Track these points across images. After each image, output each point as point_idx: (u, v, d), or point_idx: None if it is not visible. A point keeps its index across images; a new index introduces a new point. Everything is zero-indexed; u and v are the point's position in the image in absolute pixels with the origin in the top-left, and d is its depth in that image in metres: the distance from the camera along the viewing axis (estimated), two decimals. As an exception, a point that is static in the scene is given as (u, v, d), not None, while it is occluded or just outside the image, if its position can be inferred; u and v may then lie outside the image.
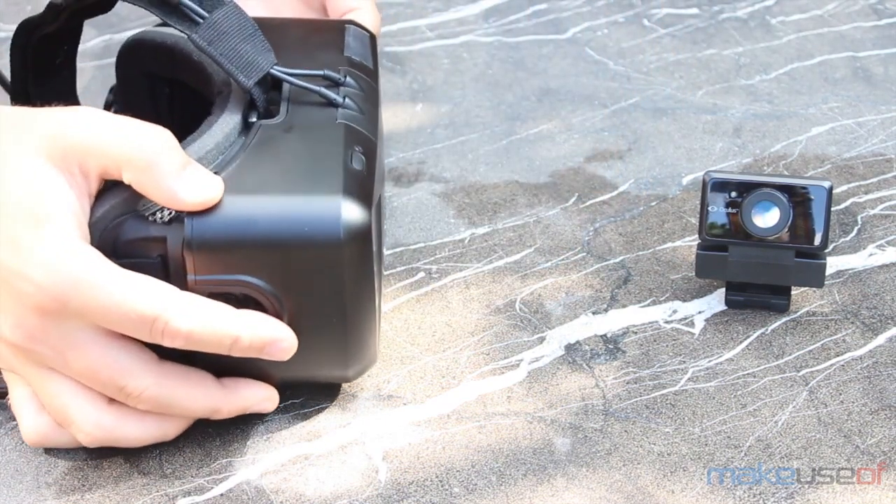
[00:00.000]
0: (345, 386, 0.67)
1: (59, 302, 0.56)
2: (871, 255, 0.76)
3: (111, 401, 0.60)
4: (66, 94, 0.73)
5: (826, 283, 0.73)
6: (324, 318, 0.61)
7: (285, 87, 0.66)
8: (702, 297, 0.73)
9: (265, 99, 0.65)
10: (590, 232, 0.78)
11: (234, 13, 0.64)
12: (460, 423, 0.65)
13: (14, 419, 0.64)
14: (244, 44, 0.64)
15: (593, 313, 0.72)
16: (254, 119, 0.64)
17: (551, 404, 0.66)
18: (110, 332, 0.58)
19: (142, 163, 0.58)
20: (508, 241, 0.78)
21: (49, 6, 0.67)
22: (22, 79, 0.71)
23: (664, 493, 0.61)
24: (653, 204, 0.81)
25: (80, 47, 0.73)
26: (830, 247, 0.76)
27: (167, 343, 0.58)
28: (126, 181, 0.59)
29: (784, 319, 0.71)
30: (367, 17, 0.81)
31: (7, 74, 0.72)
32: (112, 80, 0.75)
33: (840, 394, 0.66)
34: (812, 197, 0.68)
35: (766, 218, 0.68)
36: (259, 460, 0.63)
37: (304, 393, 0.66)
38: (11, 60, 0.70)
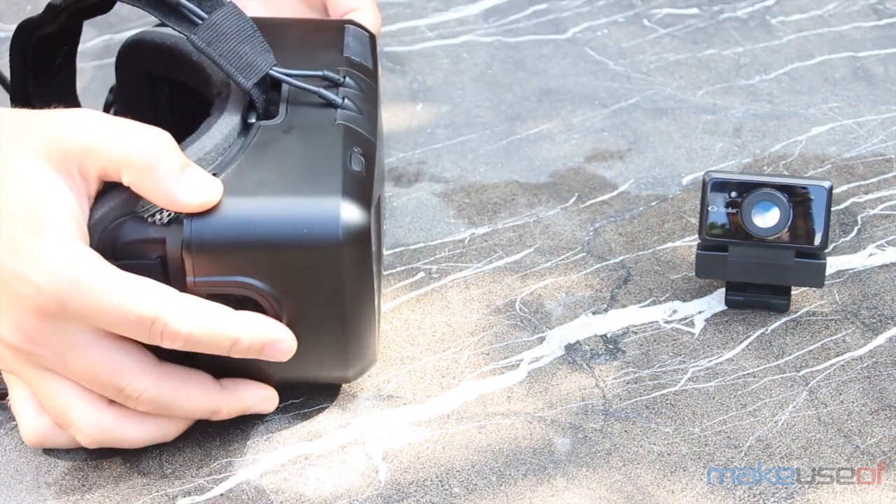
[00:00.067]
0: (345, 386, 0.67)
1: (58, 304, 0.56)
2: (871, 255, 0.76)
3: (111, 402, 0.60)
4: (65, 94, 0.73)
5: (826, 283, 0.73)
6: (323, 319, 0.61)
7: (284, 87, 0.66)
8: (702, 297, 0.73)
9: (264, 100, 0.65)
10: (590, 232, 0.78)
11: (233, 14, 0.64)
12: (460, 423, 0.65)
13: (14, 419, 0.64)
14: (243, 45, 0.64)
15: (593, 313, 0.72)
16: (253, 120, 0.64)
17: (551, 404, 0.66)
18: (110, 333, 0.58)
19: (141, 165, 0.58)
20: (508, 241, 0.78)
21: (48, 6, 0.67)
22: (21, 79, 0.71)
23: (664, 493, 0.61)
24: (653, 204, 0.81)
25: (80, 47, 0.73)
26: (830, 247, 0.76)
27: (166, 344, 0.58)
28: (125, 183, 0.59)
29: (784, 319, 0.71)
30: (368, 16, 0.81)
31: (7, 74, 0.72)
32: (112, 80, 0.75)
33: (840, 394, 0.66)
34: (812, 197, 0.68)
35: (766, 218, 0.68)
36: (259, 460, 0.63)
37: (304, 393, 0.66)
38: (11, 61, 0.70)
